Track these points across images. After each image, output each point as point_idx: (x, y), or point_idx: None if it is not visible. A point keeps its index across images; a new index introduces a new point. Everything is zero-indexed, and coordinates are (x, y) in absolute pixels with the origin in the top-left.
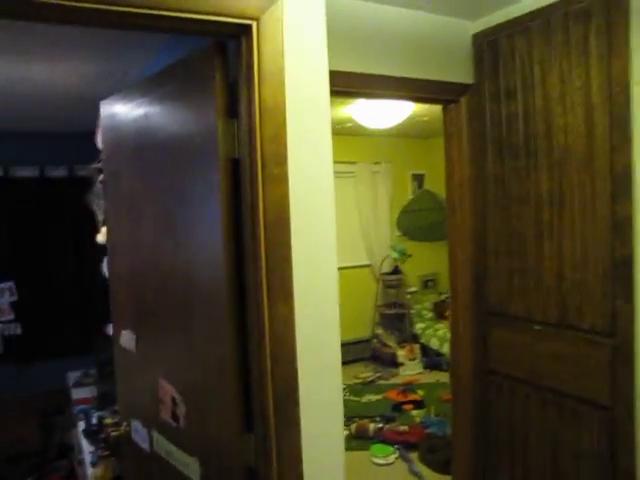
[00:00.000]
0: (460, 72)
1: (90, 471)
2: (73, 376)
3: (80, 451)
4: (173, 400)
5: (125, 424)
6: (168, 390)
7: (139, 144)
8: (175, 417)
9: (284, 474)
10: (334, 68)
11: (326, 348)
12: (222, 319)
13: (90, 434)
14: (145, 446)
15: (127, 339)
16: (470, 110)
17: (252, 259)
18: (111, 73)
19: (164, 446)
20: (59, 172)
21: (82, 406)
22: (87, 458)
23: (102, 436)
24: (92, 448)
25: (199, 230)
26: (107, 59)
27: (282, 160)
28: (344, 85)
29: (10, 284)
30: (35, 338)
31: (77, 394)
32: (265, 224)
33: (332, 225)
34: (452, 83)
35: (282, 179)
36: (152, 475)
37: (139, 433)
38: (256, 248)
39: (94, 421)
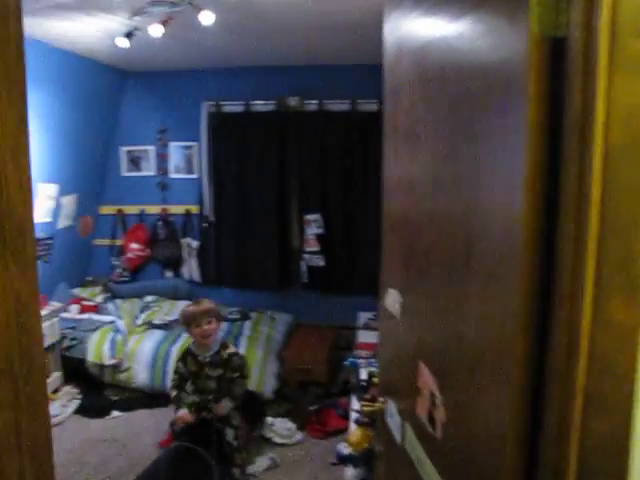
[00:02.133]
0: None
1: (353, 428)
2: (364, 317)
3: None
4: (432, 397)
5: (382, 400)
6: (428, 381)
7: (421, 61)
8: (431, 420)
9: None
10: None
11: None
12: (509, 299)
13: (357, 389)
14: (397, 436)
15: (392, 300)
16: None
17: (572, 214)
18: None
19: (415, 449)
20: (369, 106)
21: (361, 351)
22: (353, 415)
23: (367, 396)
24: (358, 406)
25: (489, 172)
26: None
27: None
28: None
29: (317, 216)
30: (336, 272)
31: (362, 337)
32: (606, 150)
33: None
34: None
35: None
36: (399, 474)
37: (392, 417)
38: (581, 198)
39: (363, 376)
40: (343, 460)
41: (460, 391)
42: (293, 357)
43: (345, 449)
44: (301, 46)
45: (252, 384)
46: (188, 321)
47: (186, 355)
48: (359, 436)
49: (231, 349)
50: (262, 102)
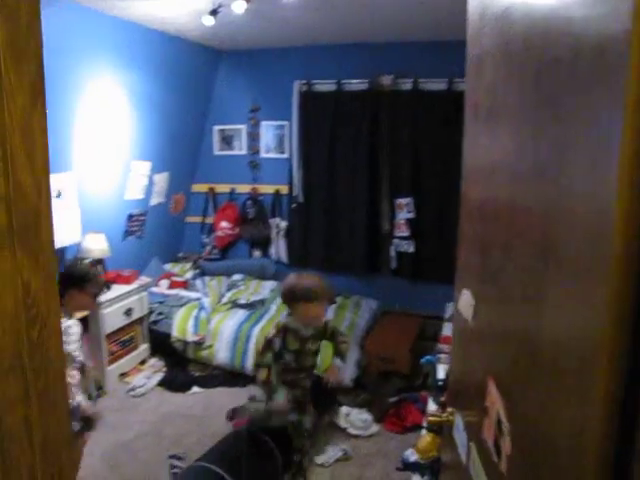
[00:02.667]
0: None
1: (423, 433)
2: (451, 308)
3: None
4: (498, 422)
5: (450, 411)
6: (495, 402)
7: (503, 28)
8: (497, 448)
9: None
10: None
11: None
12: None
13: (433, 389)
14: (462, 455)
15: (465, 302)
16: None
17: None
18: None
19: (479, 476)
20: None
21: (444, 345)
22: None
23: (442, 399)
24: (434, 407)
25: (578, 157)
26: None
27: None
28: None
29: (409, 200)
30: (425, 259)
31: (447, 330)
32: None
33: None
34: None
35: None
36: None
37: (459, 433)
38: None
39: (441, 375)
40: (409, 467)
41: (531, 421)
42: (376, 345)
43: (412, 455)
44: (394, 22)
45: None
46: (297, 296)
47: (285, 332)
48: (428, 443)
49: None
50: (354, 81)
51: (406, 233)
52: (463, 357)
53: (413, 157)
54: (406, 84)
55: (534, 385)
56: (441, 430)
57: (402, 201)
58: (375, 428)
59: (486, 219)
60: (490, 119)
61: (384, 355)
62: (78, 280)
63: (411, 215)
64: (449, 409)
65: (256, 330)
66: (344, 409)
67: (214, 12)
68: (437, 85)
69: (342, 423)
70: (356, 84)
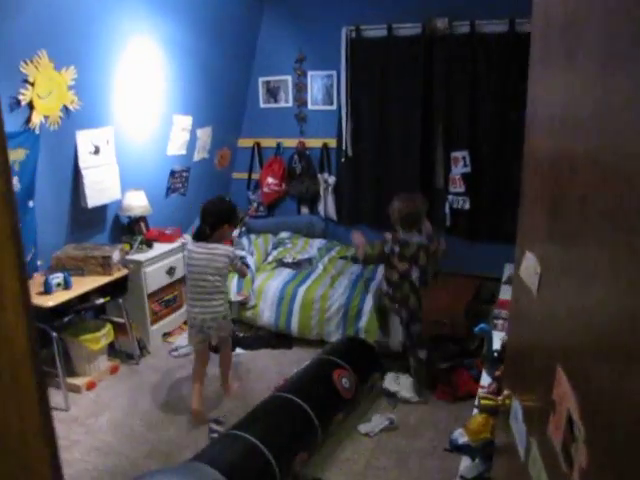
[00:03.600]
0: None
1: (474, 412)
2: (510, 269)
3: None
4: (569, 421)
5: (506, 394)
6: (566, 397)
7: None
8: (567, 455)
9: None
10: None
11: None
12: None
13: (488, 360)
14: (520, 449)
15: (529, 268)
16: None
17: None
18: None
19: (540, 476)
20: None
21: (502, 310)
22: (484, 388)
23: (497, 374)
24: (489, 381)
25: None
26: None
27: None
28: None
29: (464, 153)
30: (482, 216)
31: (505, 293)
32: None
33: None
34: None
35: None
36: None
37: (517, 422)
38: None
39: (496, 344)
40: (458, 449)
41: (621, 431)
42: (428, 308)
43: (462, 437)
44: None
45: (378, 335)
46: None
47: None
48: (480, 424)
49: None
50: (406, 25)
51: (461, 189)
52: (524, 333)
53: (470, 107)
54: (462, 27)
55: (628, 384)
56: (496, 411)
57: (457, 154)
58: (424, 395)
59: (558, 169)
60: (567, 57)
61: (437, 318)
62: (231, 215)
63: (467, 169)
64: (505, 391)
65: (301, 290)
66: (391, 374)
67: None
68: (497, 27)
69: (391, 386)
70: (408, 29)
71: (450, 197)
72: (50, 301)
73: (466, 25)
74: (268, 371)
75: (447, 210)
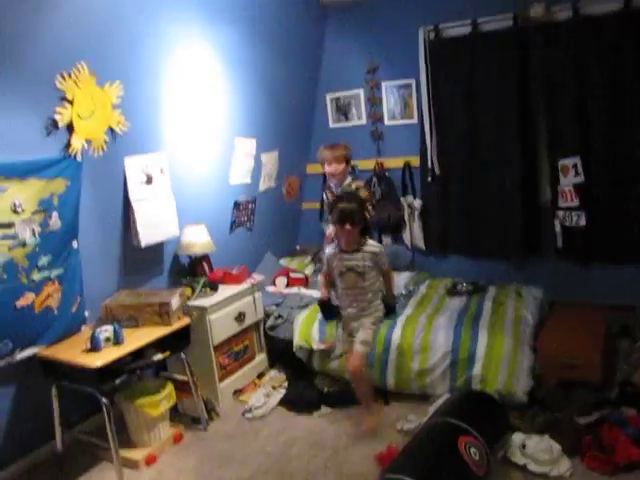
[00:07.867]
0: None
1: None
2: None
3: None
4: None
5: None
6: None
7: None
8: None
9: None
10: None
11: None
12: None
13: None
14: None
15: None
16: None
17: None
18: None
19: None
20: None
21: None
22: None
23: None
24: None
25: None
26: None
27: None
28: None
29: (575, 160)
30: (601, 234)
31: None
32: None
33: None
34: None
35: None
36: None
37: None
38: None
39: None
40: None
41: None
42: (552, 347)
43: None
44: None
45: (499, 383)
46: None
47: None
48: None
49: None
50: (494, 18)
51: (574, 202)
52: None
53: (579, 106)
54: (563, 11)
55: None
56: None
57: (567, 162)
58: (567, 464)
59: None
60: None
61: (565, 359)
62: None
63: (579, 179)
64: None
65: (395, 335)
66: (516, 437)
67: None
68: (607, 6)
69: (518, 459)
70: (497, 21)
71: (560, 213)
72: (98, 360)
73: (568, 9)
74: (362, 434)
75: (558, 228)
